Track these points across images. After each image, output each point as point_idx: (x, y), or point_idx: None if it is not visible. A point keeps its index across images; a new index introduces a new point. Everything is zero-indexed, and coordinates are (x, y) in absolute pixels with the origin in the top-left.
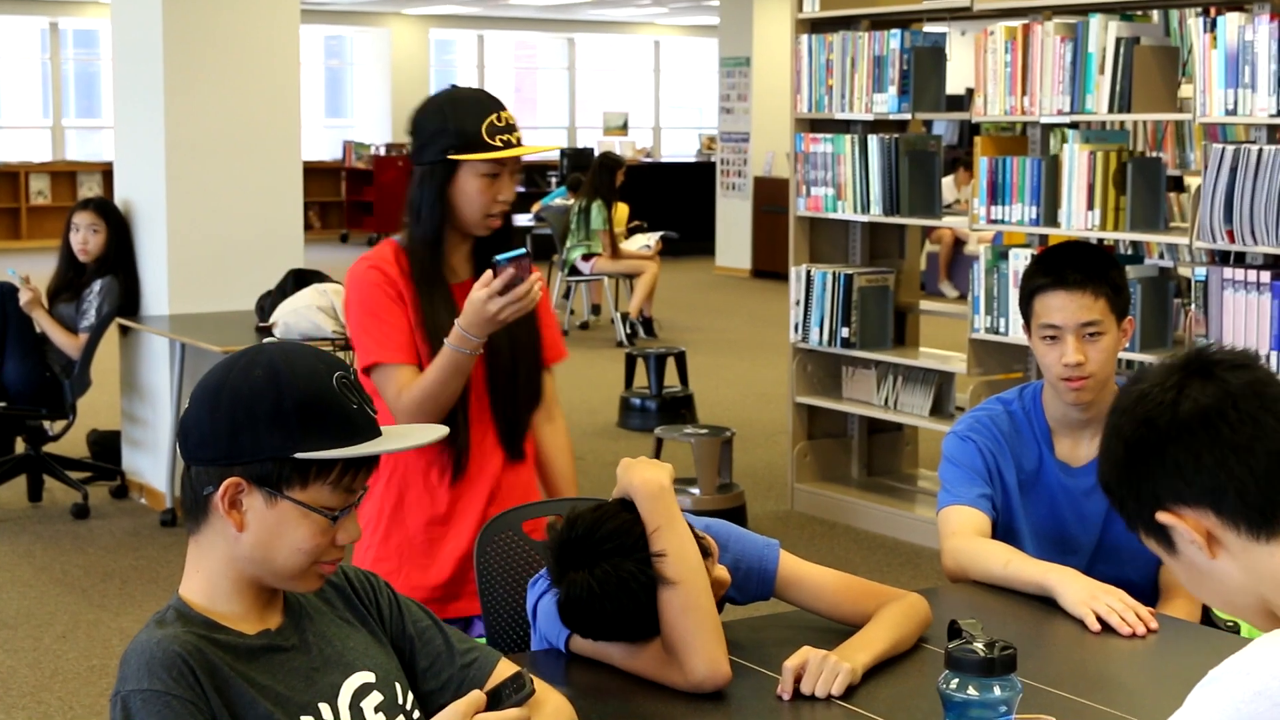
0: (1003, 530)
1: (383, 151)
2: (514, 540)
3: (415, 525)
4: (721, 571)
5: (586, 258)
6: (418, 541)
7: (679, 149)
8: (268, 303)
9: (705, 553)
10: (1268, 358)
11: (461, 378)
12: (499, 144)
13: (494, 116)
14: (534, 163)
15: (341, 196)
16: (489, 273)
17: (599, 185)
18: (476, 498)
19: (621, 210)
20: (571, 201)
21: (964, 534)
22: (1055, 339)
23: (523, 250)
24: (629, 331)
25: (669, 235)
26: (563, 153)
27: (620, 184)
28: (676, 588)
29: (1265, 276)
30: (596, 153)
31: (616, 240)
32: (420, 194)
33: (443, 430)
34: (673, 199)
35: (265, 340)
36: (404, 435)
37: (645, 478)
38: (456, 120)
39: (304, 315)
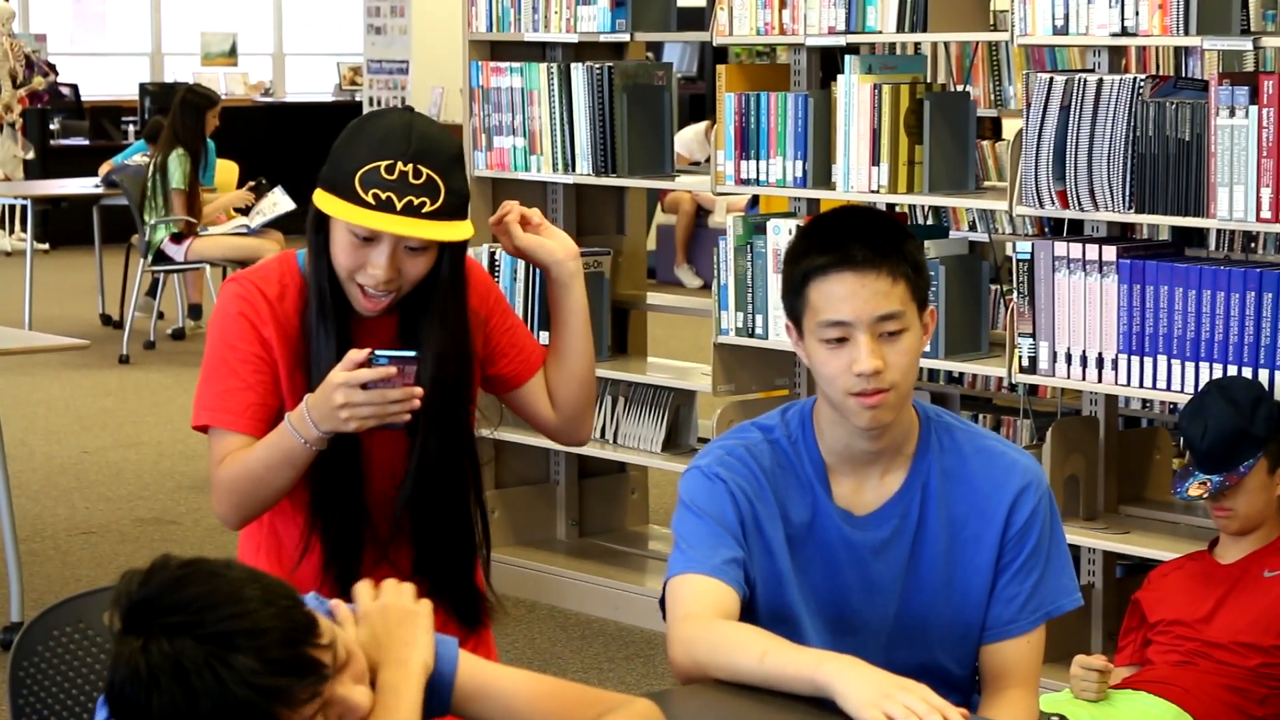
0: (768, 610)
1: None
2: (74, 645)
3: None
4: (356, 694)
5: (178, 238)
6: None
7: (310, 84)
8: None
9: (334, 662)
10: (1114, 362)
11: (291, 470)
12: (370, 200)
13: (386, 163)
14: (102, 104)
15: None
16: (360, 356)
17: (181, 130)
18: None
19: (227, 170)
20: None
21: (700, 616)
22: (842, 340)
23: (412, 354)
24: None
25: (281, 208)
26: (143, 91)
27: (214, 130)
28: None
29: (1109, 253)
30: None
31: (199, 205)
32: (308, 226)
33: None
34: (301, 153)
35: None
36: None
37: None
38: (344, 150)
39: None
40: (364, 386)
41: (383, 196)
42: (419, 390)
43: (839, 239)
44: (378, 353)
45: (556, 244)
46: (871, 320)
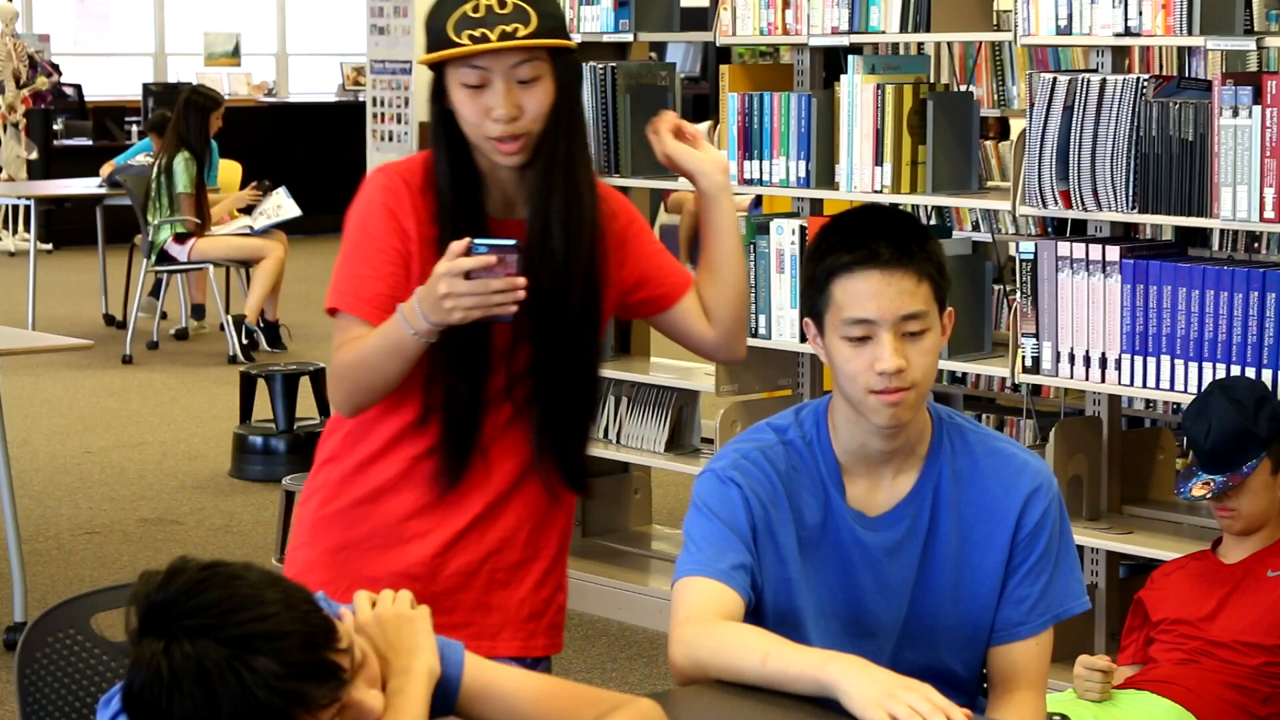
0: (775, 615)
1: None
2: (77, 645)
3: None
4: (370, 697)
5: (181, 239)
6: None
7: (313, 85)
8: None
9: (352, 666)
10: (1117, 362)
11: (401, 361)
12: (465, 42)
13: (471, 4)
14: (106, 104)
15: None
16: (461, 245)
17: (185, 132)
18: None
19: (231, 171)
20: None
21: (702, 619)
22: (865, 339)
23: (512, 242)
24: (245, 342)
25: (286, 211)
26: (147, 91)
27: (217, 131)
28: None
29: (1113, 253)
30: None
31: (206, 208)
32: (430, 114)
33: None
34: (304, 153)
35: None
36: None
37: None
38: (433, 14)
39: None
40: (467, 276)
41: (476, 34)
42: (522, 281)
43: (864, 237)
44: (476, 241)
45: (706, 155)
46: (896, 319)
